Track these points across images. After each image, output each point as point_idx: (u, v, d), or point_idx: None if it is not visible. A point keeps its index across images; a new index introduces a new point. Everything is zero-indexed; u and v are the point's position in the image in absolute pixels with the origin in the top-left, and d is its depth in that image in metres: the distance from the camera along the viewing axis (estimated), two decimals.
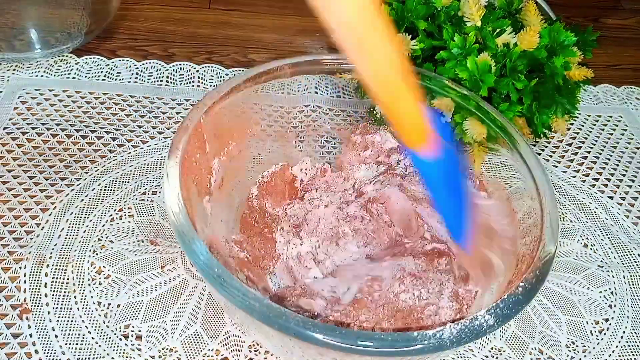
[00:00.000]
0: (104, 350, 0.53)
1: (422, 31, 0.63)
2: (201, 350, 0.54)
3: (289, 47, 0.84)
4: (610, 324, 0.59)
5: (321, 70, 0.59)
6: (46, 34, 0.76)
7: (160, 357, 0.53)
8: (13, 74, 0.73)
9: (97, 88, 0.73)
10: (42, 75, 0.73)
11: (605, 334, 0.58)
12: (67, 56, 0.76)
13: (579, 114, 0.81)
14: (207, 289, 0.57)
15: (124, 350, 0.53)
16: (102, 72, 0.75)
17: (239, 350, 0.54)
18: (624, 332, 0.58)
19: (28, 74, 0.73)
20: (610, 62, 0.92)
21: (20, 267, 0.56)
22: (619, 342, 0.58)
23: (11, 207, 0.60)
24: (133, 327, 0.54)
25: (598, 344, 0.57)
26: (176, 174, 0.45)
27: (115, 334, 0.54)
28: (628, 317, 0.60)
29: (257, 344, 0.55)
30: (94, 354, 0.53)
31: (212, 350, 0.54)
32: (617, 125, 0.82)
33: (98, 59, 0.76)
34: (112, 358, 0.53)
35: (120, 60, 0.77)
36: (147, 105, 0.73)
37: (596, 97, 0.86)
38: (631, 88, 0.88)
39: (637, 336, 0.58)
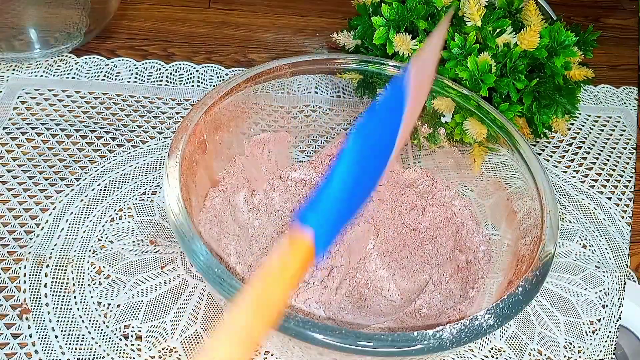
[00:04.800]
0: (104, 351, 0.53)
1: (422, 31, 0.63)
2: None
3: (289, 46, 0.84)
4: (601, 324, 0.59)
5: (321, 70, 0.59)
6: (45, 33, 0.75)
7: (160, 357, 0.53)
8: (12, 74, 0.73)
9: (96, 88, 0.73)
10: (41, 75, 0.73)
11: (597, 334, 0.59)
12: (66, 56, 0.76)
13: (579, 114, 0.81)
14: (207, 289, 0.57)
15: (124, 350, 0.53)
16: (101, 72, 0.75)
17: None
18: (610, 332, 0.59)
19: (27, 74, 0.73)
20: (610, 63, 0.92)
21: (20, 267, 0.56)
22: (606, 342, 0.58)
23: (11, 207, 0.60)
24: (133, 327, 0.54)
25: (591, 344, 0.58)
26: (176, 174, 0.45)
27: (115, 334, 0.54)
28: (615, 317, 0.60)
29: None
30: (94, 354, 0.53)
31: None
32: (616, 126, 0.82)
33: (98, 58, 0.76)
34: (112, 358, 0.52)
35: (119, 60, 0.77)
36: (146, 105, 0.72)
37: (596, 97, 0.86)
38: (630, 89, 0.88)
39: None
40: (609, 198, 0.72)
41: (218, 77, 0.78)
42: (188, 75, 0.77)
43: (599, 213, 0.70)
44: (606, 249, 0.66)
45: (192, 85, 0.76)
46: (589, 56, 0.67)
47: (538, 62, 0.62)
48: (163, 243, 0.60)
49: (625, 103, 0.86)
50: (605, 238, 0.67)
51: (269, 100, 0.61)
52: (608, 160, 0.77)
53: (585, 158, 0.77)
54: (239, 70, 0.79)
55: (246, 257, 0.54)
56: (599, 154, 0.77)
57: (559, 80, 0.62)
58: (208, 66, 0.78)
